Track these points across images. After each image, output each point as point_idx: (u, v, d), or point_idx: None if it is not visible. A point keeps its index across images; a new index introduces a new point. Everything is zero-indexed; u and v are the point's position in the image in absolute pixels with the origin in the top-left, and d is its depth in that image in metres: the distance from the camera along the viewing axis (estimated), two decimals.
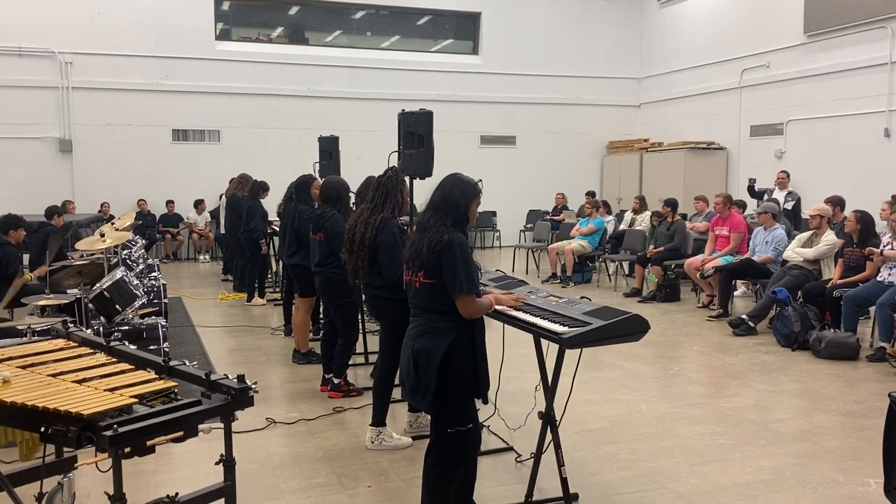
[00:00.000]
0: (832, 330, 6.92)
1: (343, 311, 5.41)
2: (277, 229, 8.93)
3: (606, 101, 17.38)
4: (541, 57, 16.74)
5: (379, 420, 4.53)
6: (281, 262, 8.45)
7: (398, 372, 3.92)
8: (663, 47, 16.64)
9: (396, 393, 4.72)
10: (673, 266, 9.72)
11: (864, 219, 7.35)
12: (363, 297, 4.71)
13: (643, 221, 11.54)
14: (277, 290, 10.09)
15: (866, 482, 3.99)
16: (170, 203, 14.61)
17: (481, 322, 3.20)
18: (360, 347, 6.61)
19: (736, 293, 9.48)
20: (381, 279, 4.36)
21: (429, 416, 3.31)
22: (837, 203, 8.91)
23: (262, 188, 9.58)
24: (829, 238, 7.78)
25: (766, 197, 11.18)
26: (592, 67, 17.16)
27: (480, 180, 3.35)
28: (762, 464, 4.27)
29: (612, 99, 17.41)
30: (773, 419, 5.07)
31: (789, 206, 10.75)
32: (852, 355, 6.65)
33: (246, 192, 9.67)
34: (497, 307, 3.40)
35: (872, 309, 7.00)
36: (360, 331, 6.20)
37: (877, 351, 6.65)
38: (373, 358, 5.94)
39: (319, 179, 6.74)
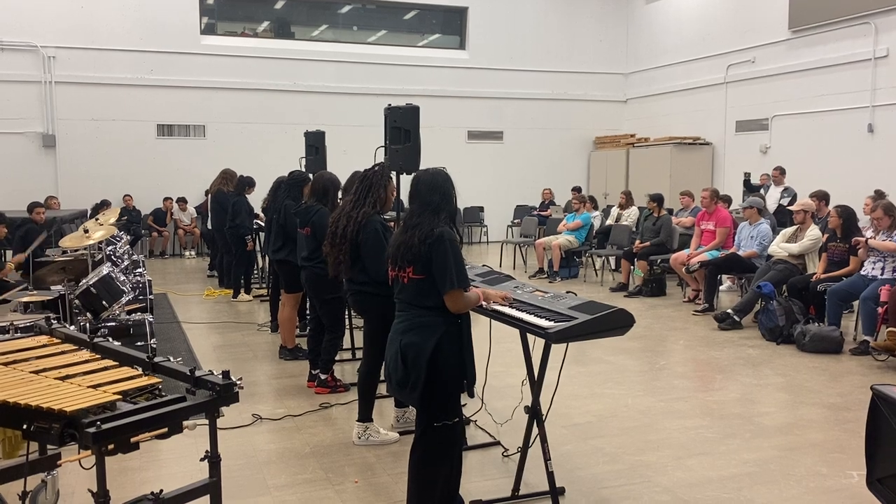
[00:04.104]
0: (816, 324, 6.97)
1: (328, 306, 5.39)
2: (263, 224, 8.90)
3: (593, 97, 17.42)
4: (528, 52, 16.75)
5: (365, 416, 4.52)
6: (267, 258, 8.41)
7: (383, 367, 3.91)
8: (649, 43, 16.69)
9: (382, 388, 4.73)
10: (659, 261, 9.77)
11: (846, 213, 7.40)
12: (347, 292, 4.67)
13: (630, 217, 11.58)
14: (264, 285, 10.06)
15: (849, 474, 4.03)
16: (167, 200, 14.52)
17: (468, 316, 3.20)
18: (346, 343, 6.60)
19: (721, 288, 9.54)
20: (365, 275, 4.34)
21: (415, 412, 3.31)
22: (822, 198, 8.97)
23: (249, 184, 9.53)
24: (813, 233, 7.84)
25: (762, 192, 11.25)
26: (579, 63, 17.19)
27: (444, 167, 3.34)
28: (747, 457, 4.30)
29: (598, 94, 17.46)
30: (757, 412, 5.11)
31: (785, 202, 10.74)
32: (836, 349, 6.71)
33: (231, 188, 9.62)
34: (483, 302, 3.40)
35: (856, 303, 7.06)
36: (347, 326, 6.18)
37: (860, 344, 6.71)
38: (360, 354, 5.92)
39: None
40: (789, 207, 9.44)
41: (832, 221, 7.47)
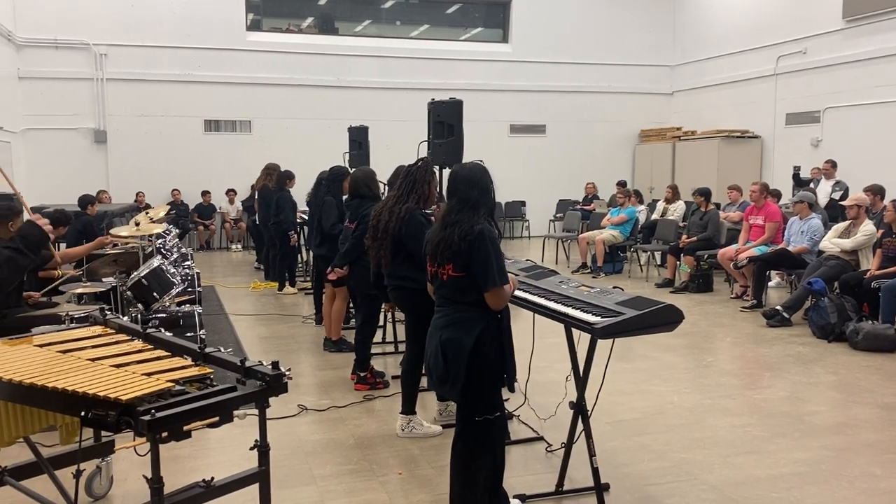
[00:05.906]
0: (870, 321, 6.79)
1: (369, 301, 5.40)
2: (307, 218, 8.99)
3: (638, 89, 17.17)
4: (571, 44, 16.59)
5: (409, 408, 4.55)
6: (311, 252, 8.50)
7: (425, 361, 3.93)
8: (697, 34, 16.38)
9: (425, 381, 4.75)
10: (706, 256, 9.61)
11: None
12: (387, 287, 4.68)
13: (676, 211, 11.40)
14: (308, 279, 10.18)
15: None
16: (206, 194, 14.79)
17: (507, 311, 3.19)
18: (389, 336, 6.65)
19: (770, 284, 9.34)
20: (405, 269, 4.34)
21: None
22: (877, 192, 8.71)
23: (288, 177, 9.64)
24: (868, 228, 7.62)
25: (812, 186, 10.98)
26: (624, 55, 16.96)
27: (481, 160, 3.31)
28: (797, 456, 4.21)
29: (644, 87, 17.20)
30: (807, 411, 4.99)
31: (837, 196, 10.46)
32: (891, 347, 6.52)
33: (273, 183, 9.74)
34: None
35: None
36: (381, 323, 6.16)
37: None
38: (402, 346, 5.95)
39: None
40: (841, 202, 9.19)
41: (888, 216, 7.26)
